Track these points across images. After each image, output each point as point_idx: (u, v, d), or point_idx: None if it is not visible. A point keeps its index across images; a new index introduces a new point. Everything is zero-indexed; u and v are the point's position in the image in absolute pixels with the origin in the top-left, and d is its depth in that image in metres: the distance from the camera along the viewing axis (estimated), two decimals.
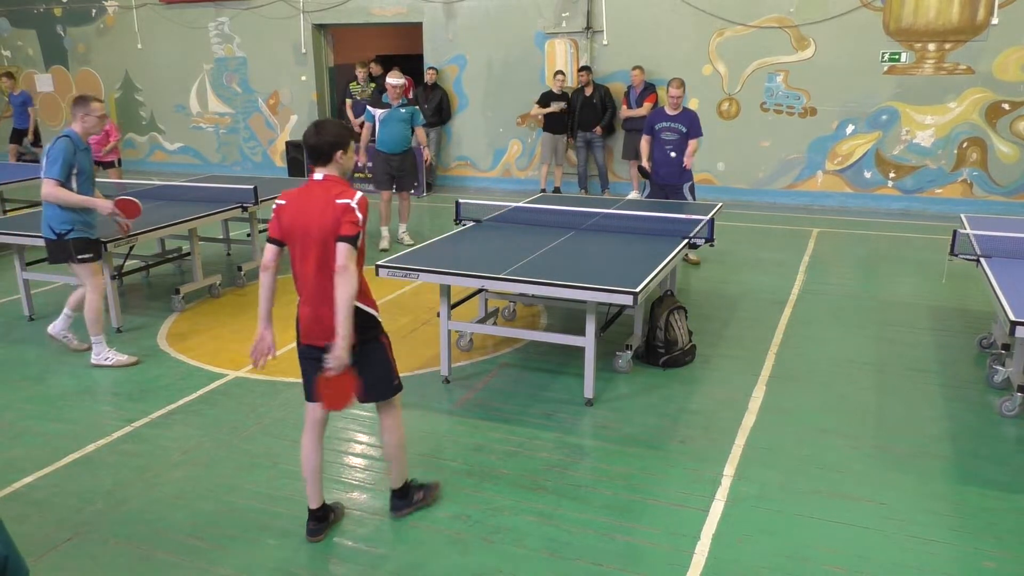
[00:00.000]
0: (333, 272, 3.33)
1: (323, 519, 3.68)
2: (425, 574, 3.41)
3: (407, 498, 3.83)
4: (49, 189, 5.30)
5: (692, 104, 11.53)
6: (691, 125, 7.78)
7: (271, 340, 3.72)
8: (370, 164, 9.83)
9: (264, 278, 3.69)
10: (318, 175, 3.46)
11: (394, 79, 8.64)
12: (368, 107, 8.95)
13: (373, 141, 8.99)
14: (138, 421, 4.82)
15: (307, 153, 3.50)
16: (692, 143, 7.76)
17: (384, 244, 8.89)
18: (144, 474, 4.22)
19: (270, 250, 3.62)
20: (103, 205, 5.56)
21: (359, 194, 3.40)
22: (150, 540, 3.64)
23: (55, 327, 5.96)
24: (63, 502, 3.96)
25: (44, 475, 4.22)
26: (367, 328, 3.51)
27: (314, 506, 3.66)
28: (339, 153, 3.45)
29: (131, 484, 4.12)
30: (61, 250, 5.54)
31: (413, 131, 8.87)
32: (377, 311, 3.61)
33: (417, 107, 8.99)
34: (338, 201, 3.35)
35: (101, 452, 4.46)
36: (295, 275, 3.59)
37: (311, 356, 3.52)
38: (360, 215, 3.35)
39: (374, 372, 3.56)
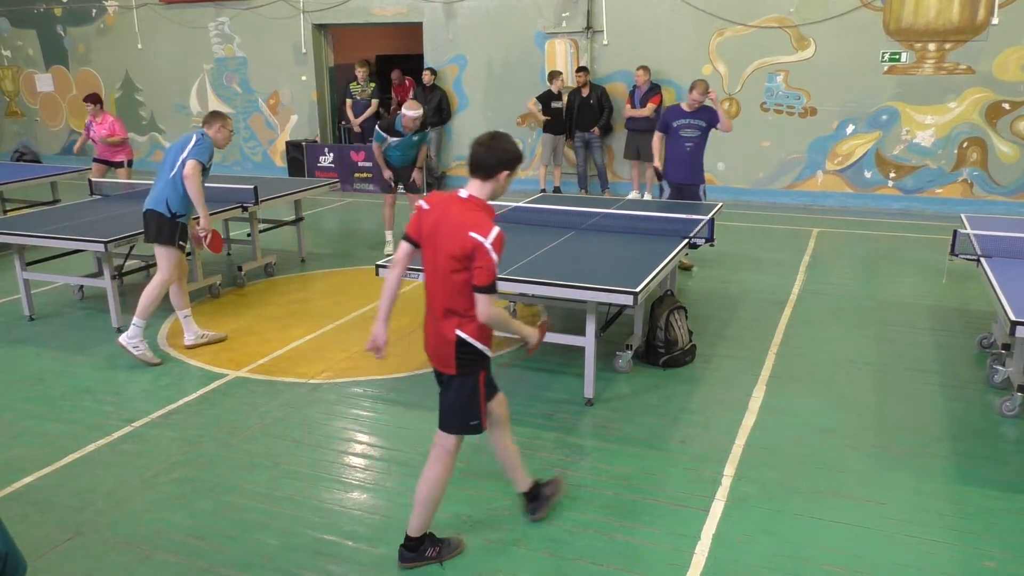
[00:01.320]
0: (446, 294, 3.17)
1: (536, 498, 3.73)
2: (425, 574, 3.40)
3: (418, 550, 3.45)
4: (192, 171, 5.52)
5: None
6: (711, 116, 7.56)
7: (383, 339, 3.46)
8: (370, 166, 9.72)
9: (388, 274, 3.45)
10: (463, 192, 3.21)
11: (411, 111, 8.17)
12: (380, 130, 8.44)
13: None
14: (138, 421, 4.82)
15: (471, 161, 3.22)
16: (722, 123, 7.58)
17: (389, 249, 8.84)
18: (144, 474, 4.22)
19: (403, 248, 3.38)
20: (206, 216, 5.76)
21: (495, 230, 3.07)
22: (150, 540, 3.65)
23: (128, 338, 5.64)
24: (63, 502, 3.96)
25: (44, 475, 4.22)
26: (471, 362, 3.28)
27: (524, 490, 3.71)
28: (504, 174, 3.19)
29: (131, 484, 4.12)
30: (170, 229, 5.68)
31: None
32: (488, 347, 3.31)
33: (428, 130, 8.83)
34: (471, 234, 3.05)
35: (101, 452, 4.46)
36: (426, 284, 3.31)
37: (437, 379, 3.44)
38: (495, 257, 3.06)
39: (456, 403, 3.36)
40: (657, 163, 7.91)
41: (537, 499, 3.75)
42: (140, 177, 10.66)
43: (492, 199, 3.26)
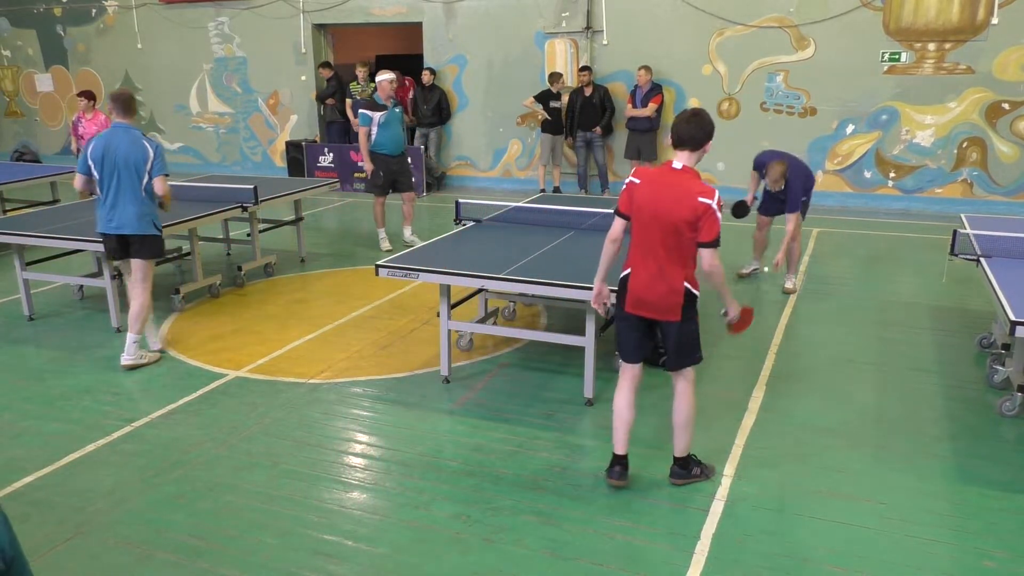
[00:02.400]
0: (677, 257, 3.67)
1: (627, 466, 4.04)
2: (425, 574, 3.41)
3: (687, 468, 4.02)
4: (167, 187, 5.50)
5: (692, 104, 11.55)
6: (789, 196, 6.94)
7: (607, 292, 4.05)
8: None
9: (608, 247, 3.94)
10: (677, 163, 3.70)
11: (383, 75, 8.59)
12: (363, 110, 8.58)
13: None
14: (138, 421, 4.82)
15: (679, 136, 3.68)
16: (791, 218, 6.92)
17: (386, 245, 8.90)
18: (144, 474, 4.22)
19: (619, 224, 3.88)
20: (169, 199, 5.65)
21: (717, 193, 3.63)
22: (150, 540, 3.64)
23: (124, 359, 5.63)
24: (63, 502, 3.96)
25: (44, 475, 4.22)
26: (691, 307, 3.79)
27: (620, 452, 4.02)
28: (708, 144, 3.71)
29: (131, 484, 4.12)
30: (161, 243, 5.70)
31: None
32: (698, 290, 3.82)
33: (402, 106, 9.03)
34: (701, 200, 3.60)
35: (101, 452, 4.46)
36: (635, 248, 3.80)
37: (633, 324, 3.90)
38: (719, 215, 3.62)
39: (685, 343, 3.84)
40: (749, 198, 7.43)
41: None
42: None
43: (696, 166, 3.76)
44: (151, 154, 5.44)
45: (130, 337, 5.61)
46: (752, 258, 7.81)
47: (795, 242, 7.12)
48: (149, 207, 5.54)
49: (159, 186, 5.49)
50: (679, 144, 3.69)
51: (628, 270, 3.84)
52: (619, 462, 4.02)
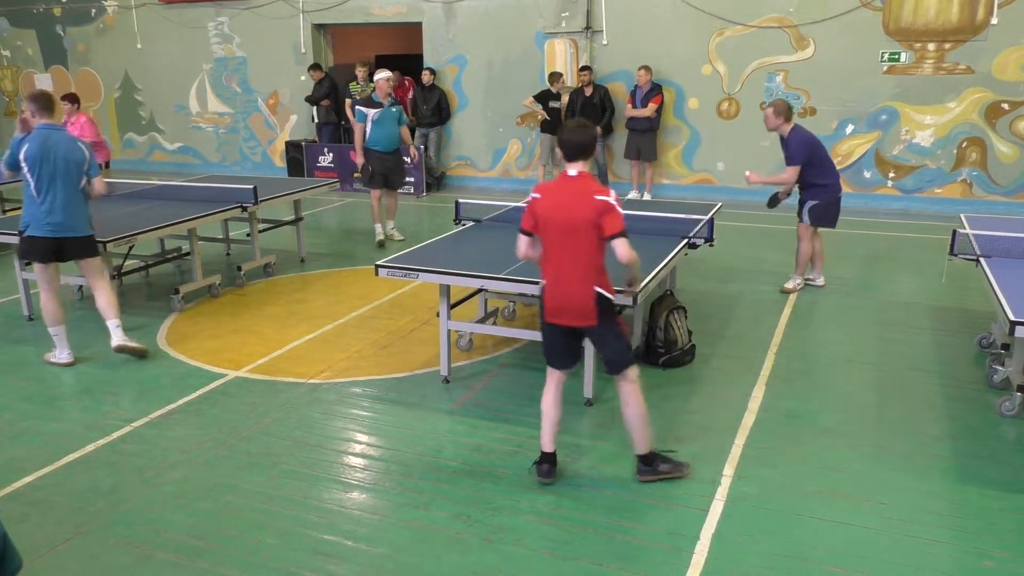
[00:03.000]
0: (586, 264, 3.81)
1: (554, 463, 4.10)
2: (425, 574, 3.41)
3: (652, 464, 4.07)
4: (104, 186, 5.59)
5: (692, 104, 11.56)
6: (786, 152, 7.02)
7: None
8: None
9: (523, 254, 4.09)
10: (572, 171, 3.85)
11: (381, 73, 8.78)
12: (359, 107, 8.88)
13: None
14: (138, 421, 4.82)
15: (571, 148, 3.84)
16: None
17: (380, 236, 9.12)
18: (144, 474, 4.22)
19: (522, 240, 4.01)
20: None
21: (613, 192, 3.80)
22: (150, 540, 3.64)
23: (116, 341, 5.67)
24: (63, 502, 3.95)
25: (44, 475, 4.22)
26: (608, 310, 3.90)
27: (548, 450, 4.11)
28: (597, 149, 3.87)
29: (131, 484, 4.12)
30: (95, 245, 5.70)
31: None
32: (614, 295, 3.96)
33: (401, 107, 9.18)
34: (597, 198, 3.74)
35: (101, 452, 4.46)
36: (546, 260, 3.94)
37: (556, 332, 4.03)
38: (620, 209, 3.76)
39: (613, 347, 3.96)
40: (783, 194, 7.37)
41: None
42: (132, 177, 10.64)
43: (590, 172, 3.93)
44: (87, 154, 5.44)
45: (111, 323, 5.66)
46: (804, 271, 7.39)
47: (804, 243, 7.15)
48: (87, 207, 5.56)
49: (99, 186, 5.52)
50: (572, 155, 3.84)
51: (543, 281, 3.98)
52: (547, 459, 4.09)
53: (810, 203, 7.14)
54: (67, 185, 5.36)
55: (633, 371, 3.99)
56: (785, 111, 6.91)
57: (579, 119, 3.88)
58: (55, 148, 5.30)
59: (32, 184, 5.33)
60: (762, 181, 7.13)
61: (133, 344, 5.71)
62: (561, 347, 4.05)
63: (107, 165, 10.01)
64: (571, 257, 3.82)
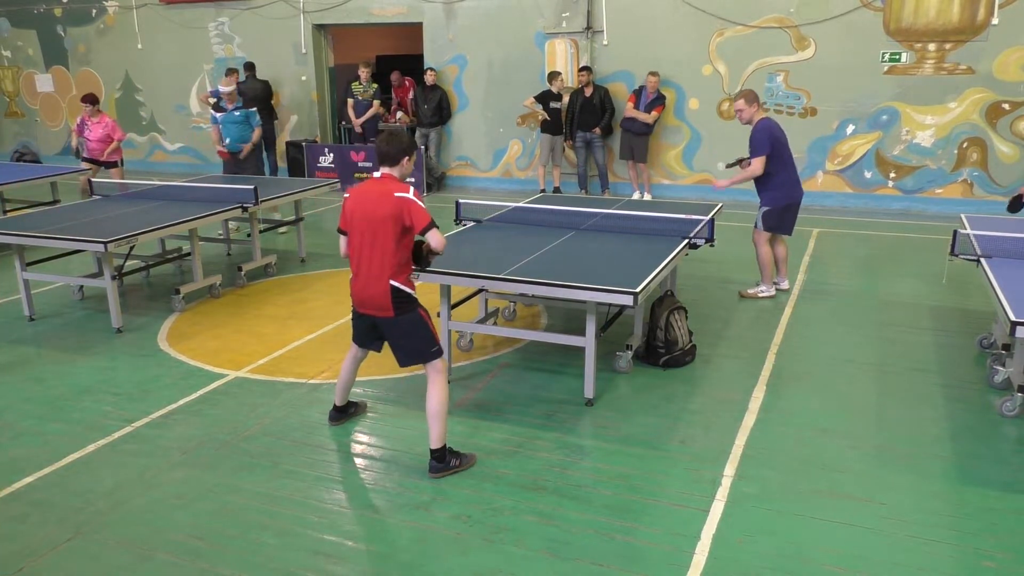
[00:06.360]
0: (387, 260, 4.01)
1: (343, 411, 4.70)
2: (425, 574, 3.41)
3: (444, 461, 4.14)
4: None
5: (692, 104, 11.56)
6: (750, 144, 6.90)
7: None
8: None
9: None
10: (377, 174, 4.11)
11: (227, 86, 9.38)
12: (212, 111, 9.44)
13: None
14: (138, 421, 4.82)
15: (380, 155, 4.10)
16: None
17: None
18: (144, 474, 4.22)
19: (343, 240, 4.23)
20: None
21: (412, 188, 4.04)
22: (150, 540, 3.64)
23: None
24: (63, 502, 3.96)
25: (44, 475, 4.22)
26: (404, 303, 4.09)
27: (339, 404, 4.69)
28: (406, 159, 4.10)
29: (131, 484, 4.12)
30: None
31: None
32: (413, 290, 4.16)
33: (254, 110, 9.64)
34: (397, 195, 3.98)
35: (101, 452, 4.46)
36: (352, 255, 4.15)
37: (362, 319, 4.28)
38: (420, 203, 4.00)
39: (410, 339, 4.14)
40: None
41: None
42: (132, 177, 10.67)
43: (402, 178, 4.13)
44: None
45: None
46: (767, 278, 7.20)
47: (761, 249, 7.06)
48: None
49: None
50: (381, 161, 4.10)
51: (351, 275, 4.20)
52: (337, 410, 4.70)
53: (764, 208, 7.04)
54: None
55: (440, 363, 4.14)
56: (755, 98, 6.94)
57: (391, 128, 4.22)
58: None
59: None
60: (730, 181, 7.05)
61: None
62: (363, 331, 4.34)
63: (121, 163, 10.11)
64: (370, 253, 4.04)
